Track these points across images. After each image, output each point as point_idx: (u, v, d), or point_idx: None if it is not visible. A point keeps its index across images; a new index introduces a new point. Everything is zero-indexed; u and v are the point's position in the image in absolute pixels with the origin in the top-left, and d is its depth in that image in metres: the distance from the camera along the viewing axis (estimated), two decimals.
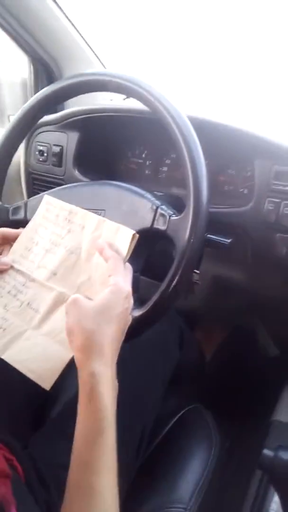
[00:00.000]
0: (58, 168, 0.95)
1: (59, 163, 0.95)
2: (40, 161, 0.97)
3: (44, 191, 0.99)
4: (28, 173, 1.01)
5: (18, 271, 0.62)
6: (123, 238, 0.57)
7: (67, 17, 0.91)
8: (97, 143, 0.95)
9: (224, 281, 0.88)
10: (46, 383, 0.53)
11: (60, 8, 0.89)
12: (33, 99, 0.71)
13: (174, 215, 0.60)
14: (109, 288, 0.51)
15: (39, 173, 0.99)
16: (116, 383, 0.48)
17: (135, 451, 0.68)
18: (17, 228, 0.78)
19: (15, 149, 0.76)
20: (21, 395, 0.76)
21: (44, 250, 0.62)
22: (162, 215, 0.61)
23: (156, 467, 0.70)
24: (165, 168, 0.94)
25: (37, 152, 0.97)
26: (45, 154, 0.96)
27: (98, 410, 0.45)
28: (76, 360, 0.48)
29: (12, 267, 0.62)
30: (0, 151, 0.74)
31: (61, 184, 0.96)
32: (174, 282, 0.58)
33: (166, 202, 0.64)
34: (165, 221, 0.60)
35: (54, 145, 0.95)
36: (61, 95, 0.70)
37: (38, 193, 1.01)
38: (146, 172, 0.96)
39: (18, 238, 0.65)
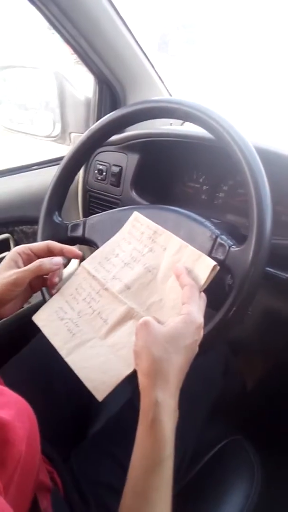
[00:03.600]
0: (116, 188, 0.97)
1: (117, 183, 0.97)
2: (99, 179, 1.00)
3: (100, 209, 1.04)
4: (86, 190, 1.04)
5: (94, 277, 0.64)
6: (203, 267, 0.58)
7: (137, 42, 0.94)
8: (155, 166, 0.96)
9: (275, 314, 0.87)
10: (100, 395, 0.53)
11: (131, 33, 0.92)
12: (101, 121, 0.73)
13: (234, 246, 0.60)
14: (182, 317, 0.50)
15: (97, 191, 1.02)
16: (177, 414, 0.48)
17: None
18: (74, 245, 0.81)
19: (78, 168, 0.79)
20: (65, 408, 0.78)
21: (122, 263, 0.64)
22: (221, 244, 0.61)
23: (193, 497, 0.69)
24: (221, 194, 0.94)
25: (96, 171, 1.00)
26: (104, 173, 0.99)
27: (158, 440, 0.45)
28: (140, 384, 0.48)
29: (88, 273, 0.64)
30: (64, 170, 0.76)
31: (117, 204, 0.99)
32: (230, 313, 0.57)
33: (225, 232, 0.64)
34: (224, 251, 0.60)
35: (114, 165, 0.97)
36: (129, 119, 0.72)
37: (94, 211, 1.05)
38: (202, 197, 0.97)
39: (101, 247, 0.67)
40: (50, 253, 0.64)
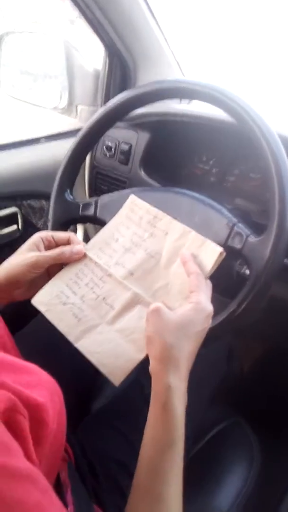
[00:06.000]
0: (125, 166, 0.96)
1: (126, 161, 0.95)
2: (107, 156, 0.98)
3: (107, 186, 1.02)
4: (93, 167, 1.02)
5: (96, 264, 0.63)
6: (209, 253, 0.58)
7: (153, 16, 0.90)
8: (165, 146, 0.95)
9: (278, 301, 0.87)
10: (116, 380, 0.54)
11: (148, 4, 0.88)
12: (119, 98, 0.71)
13: (252, 236, 0.60)
14: (192, 305, 0.52)
15: (104, 168, 1.00)
16: (186, 398, 0.49)
17: None
18: (85, 223, 0.80)
19: (91, 146, 0.77)
20: (69, 384, 0.79)
21: (123, 248, 0.63)
22: (239, 233, 0.61)
23: (194, 475, 0.71)
24: (232, 178, 0.93)
25: (104, 147, 0.98)
26: (113, 150, 0.97)
27: (171, 422, 0.47)
28: (152, 369, 0.50)
29: (90, 259, 0.63)
30: (78, 147, 0.74)
31: (125, 182, 0.97)
32: (245, 303, 0.58)
33: (242, 219, 0.63)
34: (241, 240, 0.60)
35: (123, 142, 0.95)
36: (148, 98, 0.70)
37: (100, 188, 1.04)
38: (211, 179, 0.96)
39: (99, 232, 0.66)
40: (69, 244, 0.65)
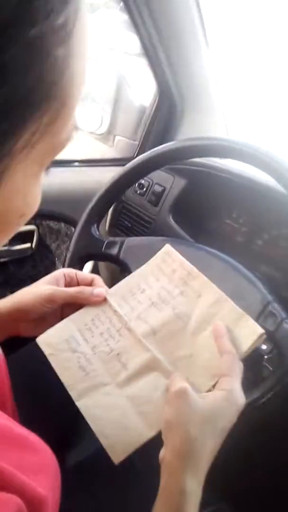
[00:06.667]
0: (153, 207, 0.93)
1: (156, 203, 0.92)
2: (137, 193, 0.95)
3: (130, 223, 0.99)
4: (120, 201, 0.98)
5: (115, 312, 0.57)
6: (247, 332, 0.51)
7: (212, 68, 0.90)
8: (199, 196, 0.92)
9: None
10: (116, 457, 0.47)
11: (209, 60, 0.87)
12: (173, 145, 0.68)
13: (287, 320, 0.56)
14: (224, 394, 0.45)
15: (131, 204, 0.97)
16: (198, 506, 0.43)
17: None
18: (105, 261, 0.76)
19: (130, 185, 0.75)
20: (47, 425, 0.73)
21: (149, 302, 0.57)
22: (273, 314, 0.57)
23: None
24: (260, 242, 0.90)
25: (136, 184, 0.95)
26: (145, 189, 0.94)
27: None
28: (166, 462, 0.43)
29: (110, 306, 0.57)
30: (116, 184, 0.72)
31: (150, 223, 0.94)
32: (270, 393, 0.54)
33: (276, 298, 0.60)
34: (275, 322, 0.56)
35: (157, 183, 0.93)
36: (199, 152, 0.67)
37: (123, 223, 1.00)
38: (238, 238, 0.93)
39: (125, 279, 0.60)
40: (92, 286, 0.59)
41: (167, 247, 0.61)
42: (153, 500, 0.44)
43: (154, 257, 0.61)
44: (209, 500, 0.74)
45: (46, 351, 0.55)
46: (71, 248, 0.72)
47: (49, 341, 0.56)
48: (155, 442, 0.48)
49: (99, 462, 0.68)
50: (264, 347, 0.65)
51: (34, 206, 0.28)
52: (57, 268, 0.91)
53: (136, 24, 0.82)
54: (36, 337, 0.60)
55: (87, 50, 0.24)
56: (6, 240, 0.29)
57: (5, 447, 0.32)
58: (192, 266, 0.58)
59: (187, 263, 0.59)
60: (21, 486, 0.29)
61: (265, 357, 0.62)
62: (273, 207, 0.83)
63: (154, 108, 1.01)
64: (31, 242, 0.96)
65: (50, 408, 0.72)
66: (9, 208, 0.26)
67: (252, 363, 0.60)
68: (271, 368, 0.63)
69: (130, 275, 0.61)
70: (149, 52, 0.88)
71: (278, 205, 0.78)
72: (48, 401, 0.72)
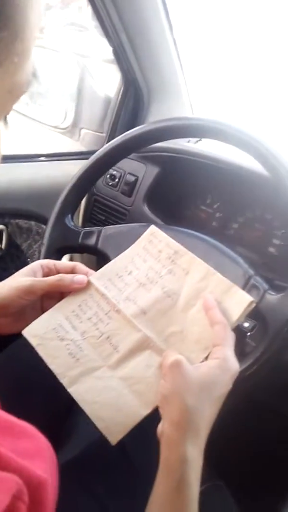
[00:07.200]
0: (127, 197, 0.91)
1: (129, 193, 0.91)
2: (109, 185, 0.94)
3: (104, 215, 0.97)
4: (92, 194, 0.97)
5: (103, 296, 0.55)
6: (236, 301, 0.51)
7: (177, 51, 0.89)
8: (172, 183, 0.91)
9: None
10: (113, 437, 0.46)
11: (174, 40, 0.87)
12: (138, 130, 0.67)
13: (270, 291, 0.55)
14: (217, 362, 0.45)
15: (104, 196, 0.95)
16: (200, 473, 0.42)
17: None
18: (83, 253, 0.74)
19: (102, 173, 0.72)
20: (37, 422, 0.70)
21: (137, 283, 0.56)
22: (255, 286, 0.57)
23: None
24: (235, 225, 0.90)
25: (108, 175, 0.93)
26: (117, 180, 0.92)
27: (184, 503, 0.40)
28: (166, 434, 0.42)
29: (97, 289, 0.56)
30: (86, 172, 0.70)
31: (125, 214, 0.93)
32: (258, 364, 0.53)
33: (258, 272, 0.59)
34: (257, 294, 0.56)
35: (129, 173, 0.91)
36: (170, 133, 0.66)
37: (96, 217, 0.98)
38: (213, 223, 0.93)
39: (111, 262, 0.59)
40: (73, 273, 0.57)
41: (153, 228, 0.60)
42: (150, 489, 0.43)
43: (139, 239, 0.60)
44: (205, 476, 0.74)
45: (33, 342, 0.53)
46: (45, 241, 0.70)
47: (35, 332, 0.54)
48: (149, 429, 0.47)
49: (91, 458, 0.66)
50: (246, 324, 0.65)
51: None
52: None
53: (99, 13, 0.80)
54: (15, 333, 0.57)
55: None
56: None
57: None
58: (178, 244, 0.58)
59: (173, 242, 0.58)
60: (19, 468, 0.27)
61: (248, 334, 0.62)
62: (247, 189, 0.83)
63: (119, 98, 1.00)
64: (0, 242, 0.93)
65: (35, 408, 0.70)
66: None
67: (236, 341, 0.60)
68: (254, 344, 0.63)
69: (116, 257, 0.60)
70: (113, 40, 0.86)
71: (252, 186, 0.79)
72: (33, 401, 0.70)
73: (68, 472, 0.65)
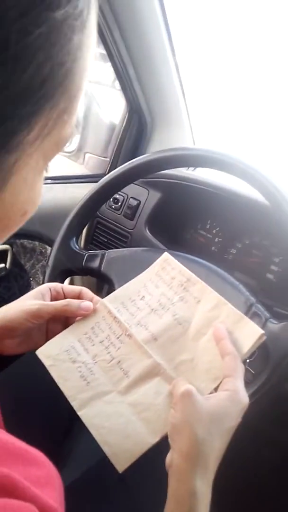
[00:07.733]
0: (129, 221, 0.93)
1: (131, 216, 0.93)
2: (112, 208, 0.96)
3: (106, 238, 0.99)
4: (95, 216, 0.99)
5: (115, 319, 0.56)
6: (247, 333, 0.51)
7: (180, 82, 0.93)
8: (174, 208, 0.94)
9: None
10: (120, 465, 0.46)
11: (178, 72, 0.90)
12: (147, 157, 0.69)
13: (272, 320, 0.57)
14: (228, 394, 0.45)
15: (107, 219, 0.97)
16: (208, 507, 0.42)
17: None
18: (86, 275, 0.75)
19: (107, 198, 0.75)
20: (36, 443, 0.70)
21: (149, 308, 0.57)
22: (257, 314, 0.58)
23: None
24: (233, 251, 0.92)
25: (111, 199, 0.96)
26: (120, 203, 0.95)
27: None
28: (175, 465, 0.42)
29: (109, 312, 0.57)
30: (93, 196, 0.72)
31: (127, 237, 0.95)
32: (259, 394, 0.54)
33: (259, 300, 0.61)
34: (260, 322, 0.57)
35: (132, 197, 0.94)
36: (177, 162, 0.69)
37: (98, 238, 1.00)
38: (212, 248, 0.95)
39: (124, 286, 0.60)
40: (80, 298, 0.58)
41: (166, 255, 0.62)
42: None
43: (153, 265, 0.61)
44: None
45: (46, 362, 0.54)
46: (50, 263, 0.72)
47: (48, 353, 0.55)
48: (147, 457, 0.47)
49: (89, 484, 0.66)
50: None
51: (36, 203, 0.28)
52: (33, 288, 0.89)
53: (106, 42, 0.84)
54: (18, 354, 0.58)
55: (95, 43, 0.24)
56: (5, 238, 0.29)
57: (11, 462, 0.30)
58: (190, 272, 0.59)
59: (186, 270, 0.59)
60: (34, 497, 0.27)
61: (247, 361, 0.63)
62: (246, 215, 0.85)
63: (124, 125, 1.03)
64: (5, 262, 0.94)
65: (33, 430, 0.69)
66: (15, 202, 0.26)
67: None
68: (253, 372, 0.64)
69: (129, 282, 0.61)
70: (119, 70, 0.90)
71: (250, 213, 0.81)
72: (31, 423, 0.70)
73: (71, 493, 0.65)
